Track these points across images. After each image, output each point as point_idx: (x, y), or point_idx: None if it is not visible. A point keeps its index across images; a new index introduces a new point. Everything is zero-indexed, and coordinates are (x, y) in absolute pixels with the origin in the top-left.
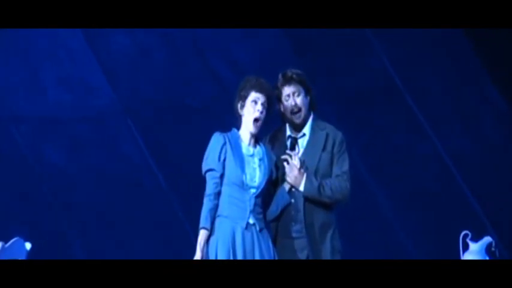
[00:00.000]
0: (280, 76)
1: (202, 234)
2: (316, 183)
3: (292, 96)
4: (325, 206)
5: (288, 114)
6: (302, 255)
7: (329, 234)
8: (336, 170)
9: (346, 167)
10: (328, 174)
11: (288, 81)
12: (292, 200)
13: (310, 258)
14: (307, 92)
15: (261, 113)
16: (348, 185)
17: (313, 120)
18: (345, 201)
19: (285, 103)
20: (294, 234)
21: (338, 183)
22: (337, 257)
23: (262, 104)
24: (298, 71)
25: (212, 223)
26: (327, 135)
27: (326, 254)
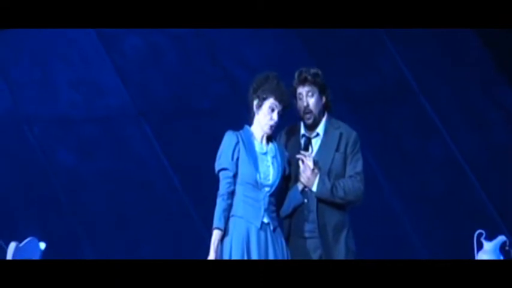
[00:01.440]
0: (296, 75)
1: (216, 235)
2: (329, 184)
3: (305, 97)
4: (339, 207)
5: (301, 113)
6: (315, 256)
7: (343, 235)
8: (349, 171)
9: (359, 167)
10: (342, 175)
11: (302, 81)
12: (305, 200)
13: (323, 258)
14: (321, 93)
15: (276, 122)
16: (361, 186)
17: (327, 119)
18: (358, 203)
19: (298, 102)
20: (306, 234)
21: (351, 184)
22: (352, 257)
23: (278, 113)
24: (315, 71)
25: (226, 223)
26: (341, 134)
27: (340, 254)
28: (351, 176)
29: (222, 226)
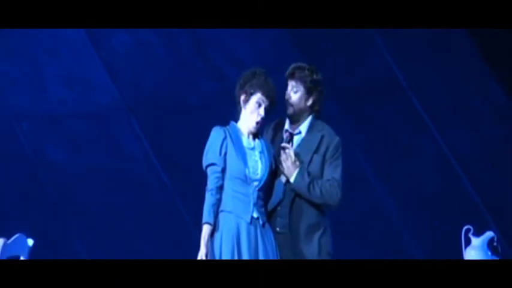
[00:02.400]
0: (289, 68)
1: (206, 229)
2: (307, 179)
3: (290, 90)
4: (315, 207)
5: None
6: (287, 251)
7: (317, 235)
8: (327, 175)
9: (338, 174)
10: (319, 177)
11: (290, 75)
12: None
13: (294, 255)
14: (308, 93)
15: (263, 118)
16: (338, 192)
17: (313, 120)
18: (334, 208)
19: (286, 92)
20: (278, 229)
21: (329, 187)
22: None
23: (265, 108)
24: (306, 73)
25: (215, 218)
26: (322, 137)
27: (312, 253)
28: (328, 180)
29: (211, 221)
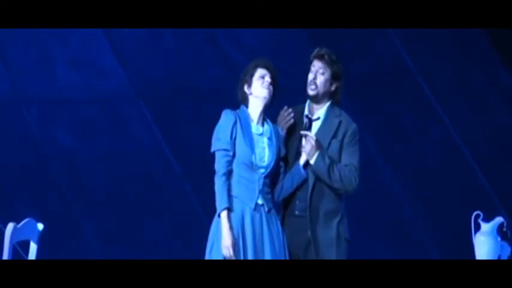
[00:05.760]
0: (316, 49)
1: (226, 216)
2: (327, 161)
3: (316, 72)
4: (334, 192)
5: (307, 83)
6: (305, 235)
7: (335, 221)
8: (344, 160)
9: (355, 159)
10: (336, 163)
11: (319, 57)
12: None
13: (312, 239)
14: (333, 79)
15: (270, 84)
16: (356, 178)
17: (331, 106)
18: (351, 193)
19: (310, 74)
20: (297, 212)
21: (348, 171)
22: (344, 245)
23: (270, 78)
24: (334, 58)
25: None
26: (340, 122)
27: (331, 238)
28: (346, 165)
29: (230, 205)
